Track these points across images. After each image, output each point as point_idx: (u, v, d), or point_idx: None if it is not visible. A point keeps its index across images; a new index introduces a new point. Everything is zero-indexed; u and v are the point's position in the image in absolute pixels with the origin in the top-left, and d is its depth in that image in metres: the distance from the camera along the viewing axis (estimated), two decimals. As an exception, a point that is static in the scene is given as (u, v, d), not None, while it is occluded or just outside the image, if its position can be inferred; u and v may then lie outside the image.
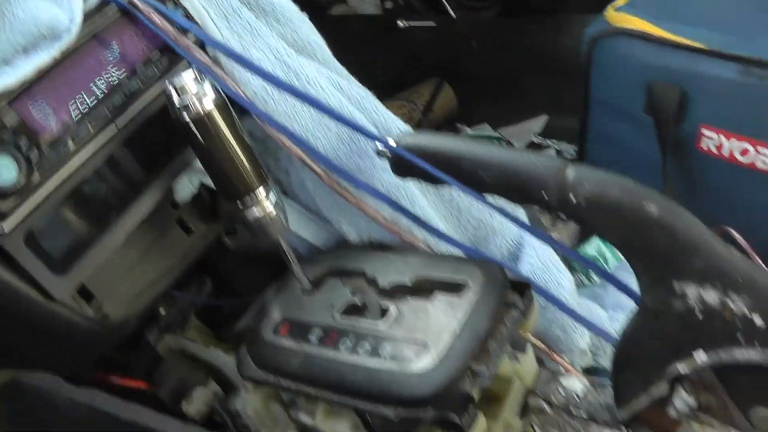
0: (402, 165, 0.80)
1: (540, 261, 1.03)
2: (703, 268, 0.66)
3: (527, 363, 0.88)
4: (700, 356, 0.70)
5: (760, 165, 1.29)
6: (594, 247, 1.58)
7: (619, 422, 0.84)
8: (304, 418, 0.78)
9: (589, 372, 1.12)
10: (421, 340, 0.68)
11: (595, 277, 1.48)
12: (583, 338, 1.04)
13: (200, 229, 0.87)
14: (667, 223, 0.67)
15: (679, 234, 0.67)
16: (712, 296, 0.66)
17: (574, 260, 1.33)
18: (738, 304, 0.65)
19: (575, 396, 0.90)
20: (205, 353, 0.97)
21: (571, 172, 0.70)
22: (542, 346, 1.02)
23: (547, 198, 0.71)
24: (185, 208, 0.85)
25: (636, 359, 0.76)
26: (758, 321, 0.65)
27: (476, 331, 0.68)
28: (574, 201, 0.69)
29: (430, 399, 0.64)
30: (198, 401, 0.92)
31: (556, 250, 1.07)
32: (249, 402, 0.83)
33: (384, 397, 0.66)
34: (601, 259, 1.57)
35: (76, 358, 0.80)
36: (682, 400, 0.74)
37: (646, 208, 0.67)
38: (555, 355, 1.02)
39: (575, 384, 0.92)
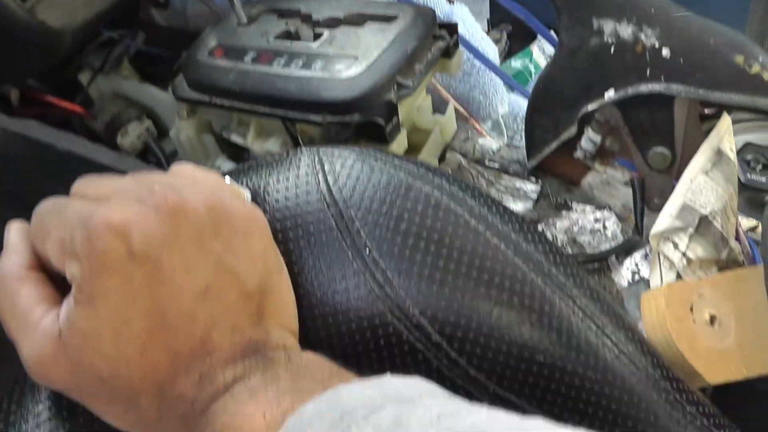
0: None
1: (468, 31, 1.06)
2: (621, 2, 0.70)
3: (447, 119, 0.93)
4: (609, 94, 0.75)
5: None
6: (520, 61, 1.63)
7: (528, 172, 0.91)
8: (236, 139, 0.82)
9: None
10: (352, 55, 0.72)
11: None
12: (502, 104, 1.09)
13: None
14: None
15: (602, -33, 0.70)
16: (626, 30, 0.71)
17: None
18: (650, 38, 0.70)
19: (490, 151, 0.96)
20: (139, 91, 0.98)
21: None
22: (462, 110, 1.07)
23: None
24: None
25: (550, 103, 0.81)
26: (666, 53, 0.70)
27: (403, 49, 0.72)
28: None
29: (357, 102, 0.68)
30: (132, 135, 0.94)
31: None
32: (182, 130, 0.87)
33: (314, 104, 0.70)
34: (525, 72, 1.63)
35: (15, 63, 0.81)
36: (589, 139, 0.80)
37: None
38: (473, 121, 1.07)
39: (491, 143, 0.98)
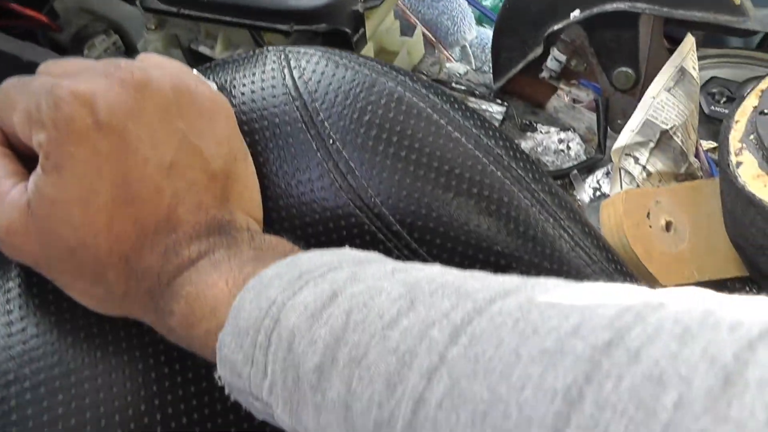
0: None
1: (439, -45, 1.06)
2: None
3: (415, 41, 0.93)
4: (575, 13, 0.76)
5: None
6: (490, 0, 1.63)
7: (494, 94, 0.92)
8: (204, 50, 0.82)
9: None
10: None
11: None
12: (470, 31, 1.09)
13: None
14: None
15: None
16: (593, -52, 0.72)
17: None
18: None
19: (457, 74, 0.97)
20: (106, 5, 0.97)
21: None
22: (430, 36, 1.07)
23: None
24: None
25: (516, 23, 0.82)
26: (631, -31, 0.70)
27: (372, -41, 0.72)
28: None
29: (324, 10, 0.68)
30: (100, 48, 0.93)
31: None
32: (150, 43, 0.86)
33: (281, 12, 0.70)
34: (496, 11, 1.62)
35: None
36: (555, 58, 0.81)
37: None
38: (441, 46, 1.07)
39: (458, 67, 0.98)
